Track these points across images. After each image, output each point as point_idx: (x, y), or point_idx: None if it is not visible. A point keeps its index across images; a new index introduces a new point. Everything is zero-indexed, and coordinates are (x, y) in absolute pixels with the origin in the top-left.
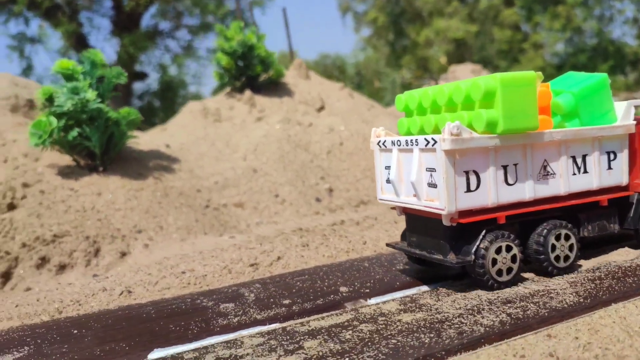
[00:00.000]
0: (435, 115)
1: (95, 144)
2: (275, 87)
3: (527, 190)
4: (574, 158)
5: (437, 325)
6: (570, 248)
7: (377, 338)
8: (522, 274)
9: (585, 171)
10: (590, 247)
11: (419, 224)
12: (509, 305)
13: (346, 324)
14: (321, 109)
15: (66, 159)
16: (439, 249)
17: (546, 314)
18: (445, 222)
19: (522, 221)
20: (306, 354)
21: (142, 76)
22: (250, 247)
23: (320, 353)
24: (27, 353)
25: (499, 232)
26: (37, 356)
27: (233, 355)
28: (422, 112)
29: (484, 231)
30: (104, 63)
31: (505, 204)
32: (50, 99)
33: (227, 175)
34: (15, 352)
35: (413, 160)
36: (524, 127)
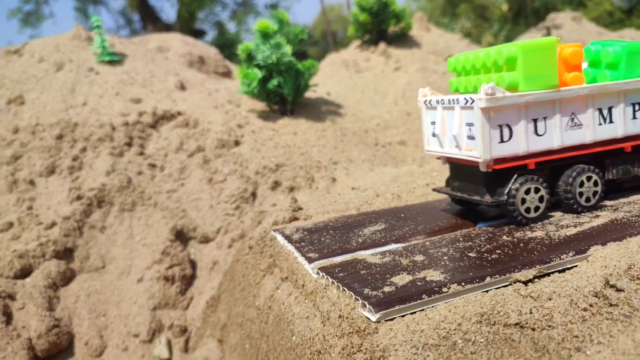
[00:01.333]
0: (475, 76)
1: (290, 92)
2: (403, 40)
3: (555, 140)
4: (600, 110)
5: None
6: (595, 188)
7: None
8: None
9: (611, 121)
10: None
11: (460, 171)
12: None
13: (612, 208)
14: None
15: (260, 105)
16: (477, 192)
17: None
18: (482, 169)
19: (551, 167)
20: (624, 213)
21: (200, 34)
22: None
23: (619, 217)
24: (385, 226)
25: (528, 176)
26: (396, 226)
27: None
28: (467, 74)
29: (515, 175)
30: (289, 22)
31: (535, 152)
32: (249, 54)
33: (385, 118)
34: (376, 225)
35: (454, 117)
36: (544, 86)
